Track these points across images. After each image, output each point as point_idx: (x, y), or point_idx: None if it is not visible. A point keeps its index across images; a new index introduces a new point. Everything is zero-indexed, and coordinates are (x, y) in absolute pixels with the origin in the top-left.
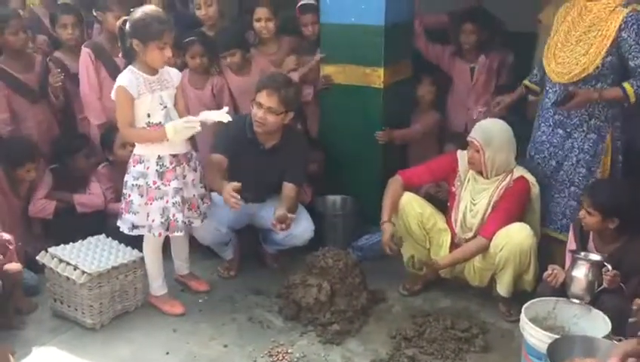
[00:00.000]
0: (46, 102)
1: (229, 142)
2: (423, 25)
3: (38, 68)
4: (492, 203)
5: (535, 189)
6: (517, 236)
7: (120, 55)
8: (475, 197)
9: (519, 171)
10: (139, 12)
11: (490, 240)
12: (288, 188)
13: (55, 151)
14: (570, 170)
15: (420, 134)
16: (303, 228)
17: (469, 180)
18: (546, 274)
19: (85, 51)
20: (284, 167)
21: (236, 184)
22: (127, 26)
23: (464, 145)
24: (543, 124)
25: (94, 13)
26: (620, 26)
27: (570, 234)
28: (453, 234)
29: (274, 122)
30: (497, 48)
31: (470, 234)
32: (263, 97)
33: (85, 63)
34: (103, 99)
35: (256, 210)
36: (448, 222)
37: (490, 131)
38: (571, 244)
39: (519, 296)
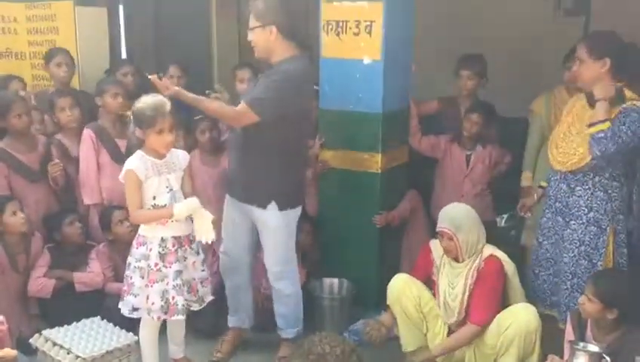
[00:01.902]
0: (46, 182)
1: None
2: (417, 119)
3: (41, 148)
4: (468, 286)
5: (509, 266)
6: (523, 316)
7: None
8: (452, 281)
9: (489, 249)
10: (139, 102)
11: (481, 326)
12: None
13: (46, 226)
14: (572, 262)
15: (408, 211)
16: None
17: (444, 265)
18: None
19: (87, 132)
20: None
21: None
22: (133, 116)
23: None
24: (547, 210)
25: (96, 101)
26: (618, 115)
27: (568, 324)
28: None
29: (257, 40)
30: (495, 143)
31: (454, 319)
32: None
33: (86, 144)
34: (101, 179)
35: (258, 227)
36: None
37: (458, 216)
38: (569, 335)
39: None
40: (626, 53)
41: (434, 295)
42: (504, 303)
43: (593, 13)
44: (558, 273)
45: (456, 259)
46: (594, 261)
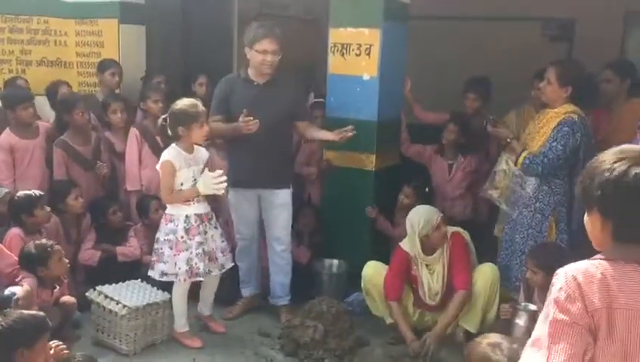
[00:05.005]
0: (96, 171)
1: (222, 95)
2: (406, 129)
3: (93, 142)
4: (446, 265)
5: (465, 235)
6: (487, 270)
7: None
8: (431, 268)
9: (450, 229)
10: (178, 105)
11: (469, 289)
12: (303, 125)
13: (92, 211)
14: (522, 242)
15: (397, 238)
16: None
17: (420, 259)
18: (504, 306)
19: (133, 131)
20: (282, 103)
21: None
22: (170, 118)
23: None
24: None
25: (138, 106)
26: (556, 126)
27: (521, 290)
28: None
29: (277, 62)
30: (477, 152)
31: (437, 298)
32: (267, 44)
33: (132, 141)
34: (142, 170)
35: (266, 208)
36: (416, 298)
37: (417, 218)
38: (521, 299)
39: None
40: (584, 84)
41: (416, 288)
42: None
43: (576, 40)
44: (512, 252)
45: (429, 252)
46: (538, 242)
